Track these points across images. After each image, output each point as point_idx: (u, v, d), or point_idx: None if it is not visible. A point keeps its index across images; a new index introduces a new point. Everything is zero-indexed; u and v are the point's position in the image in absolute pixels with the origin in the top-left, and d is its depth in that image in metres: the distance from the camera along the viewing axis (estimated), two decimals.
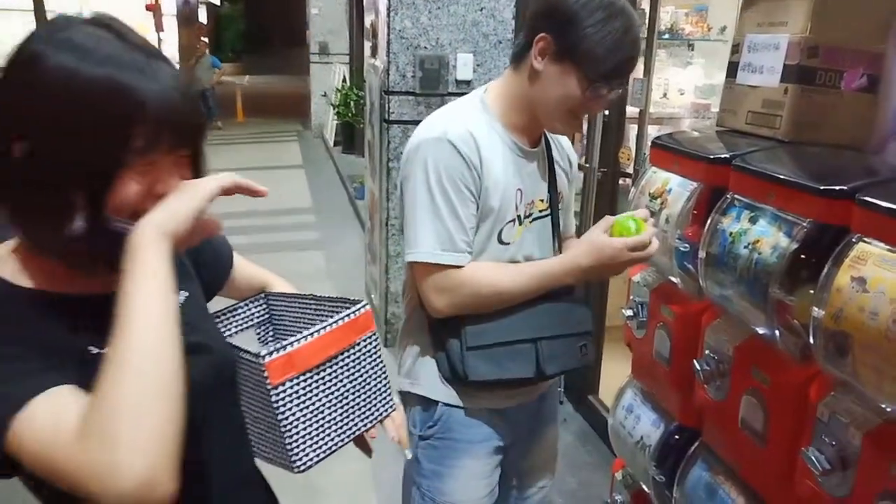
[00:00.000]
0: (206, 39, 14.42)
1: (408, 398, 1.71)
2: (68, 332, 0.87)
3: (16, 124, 0.82)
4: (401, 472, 1.77)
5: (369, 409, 1.20)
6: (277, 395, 1.06)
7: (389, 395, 1.24)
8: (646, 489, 1.84)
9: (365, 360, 1.18)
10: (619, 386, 2.07)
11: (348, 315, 1.14)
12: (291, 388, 1.08)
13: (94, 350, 0.85)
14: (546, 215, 1.67)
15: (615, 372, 2.13)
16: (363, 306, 1.17)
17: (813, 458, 1.18)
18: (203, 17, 20.89)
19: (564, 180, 1.74)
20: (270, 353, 1.04)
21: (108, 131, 0.82)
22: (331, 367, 1.13)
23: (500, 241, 1.58)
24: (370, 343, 1.18)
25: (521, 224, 1.61)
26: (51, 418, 0.76)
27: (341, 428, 1.16)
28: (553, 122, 1.57)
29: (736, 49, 1.70)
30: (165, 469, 0.74)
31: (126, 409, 0.74)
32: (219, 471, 1.07)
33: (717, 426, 1.58)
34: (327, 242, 6.60)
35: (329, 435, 1.14)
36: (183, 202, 0.85)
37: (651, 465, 1.75)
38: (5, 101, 0.83)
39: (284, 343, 1.06)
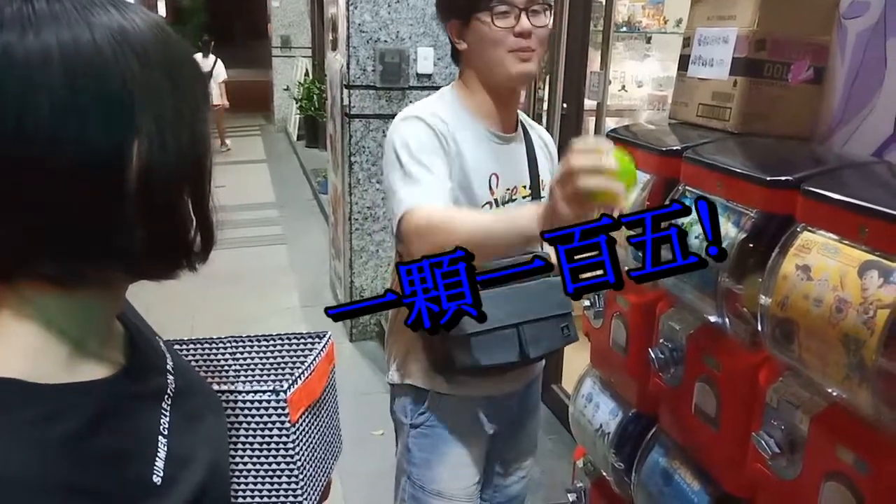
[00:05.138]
0: None
1: (398, 389, 1.77)
2: None
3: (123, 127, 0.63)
4: (368, 460, 1.79)
5: (333, 447, 1.15)
6: (295, 433, 0.97)
7: (340, 432, 1.19)
8: (606, 476, 1.86)
9: (331, 392, 1.14)
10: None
11: (325, 346, 1.08)
12: (303, 424, 0.99)
13: None
14: (528, 202, 1.73)
15: (578, 361, 2.15)
16: (329, 337, 1.12)
17: (763, 441, 1.21)
18: (162, 9, 20.54)
19: (547, 168, 1.81)
20: (288, 388, 0.94)
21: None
22: (320, 401, 1.07)
23: None
24: (333, 376, 1.14)
25: (497, 208, 1.66)
26: None
27: (321, 468, 1.08)
28: (504, 71, 1.60)
29: (687, 42, 1.72)
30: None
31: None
32: None
33: (672, 413, 1.60)
34: (291, 237, 6.57)
35: (316, 476, 1.05)
36: None
37: (610, 452, 1.77)
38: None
39: (293, 376, 0.97)
